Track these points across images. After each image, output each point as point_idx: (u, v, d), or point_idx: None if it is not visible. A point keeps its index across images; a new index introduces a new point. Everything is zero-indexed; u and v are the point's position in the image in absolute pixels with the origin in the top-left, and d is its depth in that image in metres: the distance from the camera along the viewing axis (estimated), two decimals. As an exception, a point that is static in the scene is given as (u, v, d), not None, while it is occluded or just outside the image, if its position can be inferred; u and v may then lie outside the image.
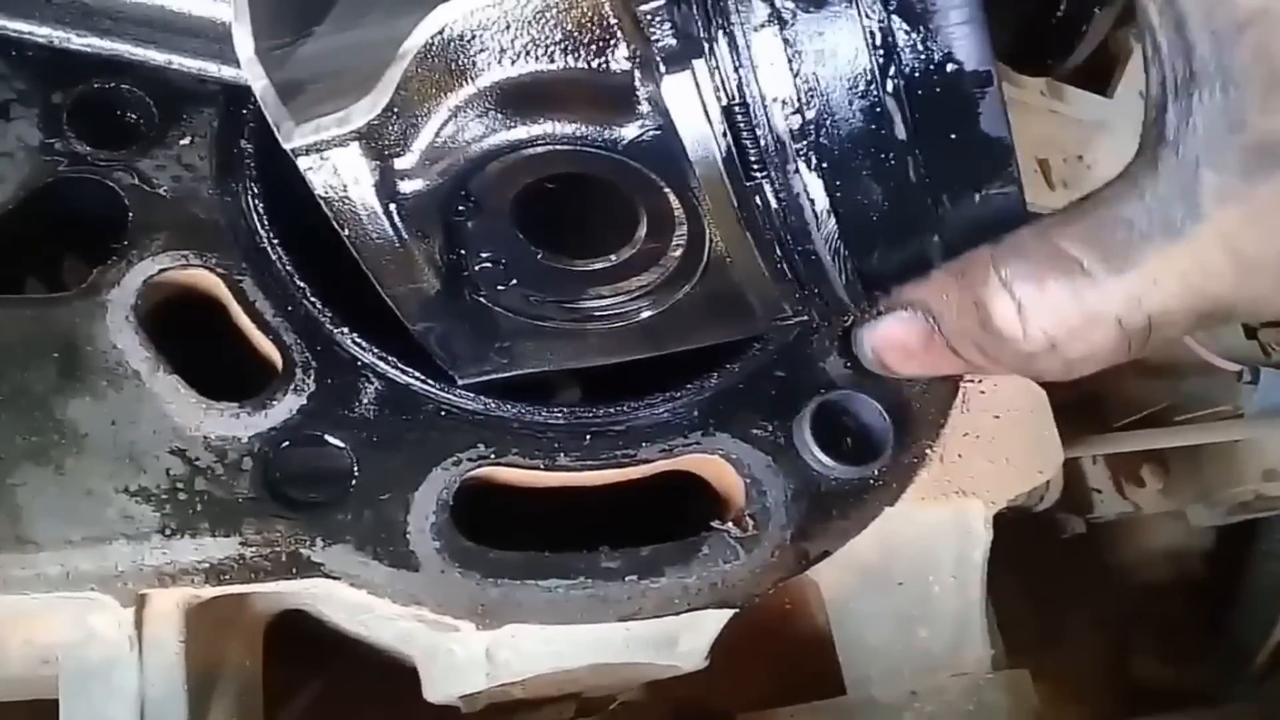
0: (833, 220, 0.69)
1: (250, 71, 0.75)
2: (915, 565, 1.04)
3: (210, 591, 0.87)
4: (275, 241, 0.96)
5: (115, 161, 0.97)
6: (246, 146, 0.99)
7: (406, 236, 0.75)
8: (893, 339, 0.76)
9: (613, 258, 0.79)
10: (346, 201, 0.74)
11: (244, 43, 0.75)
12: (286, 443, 0.90)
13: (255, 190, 0.98)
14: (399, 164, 0.72)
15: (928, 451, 1.01)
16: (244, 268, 0.95)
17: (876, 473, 0.97)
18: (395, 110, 0.70)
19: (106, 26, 0.90)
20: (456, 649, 0.97)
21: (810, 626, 1.15)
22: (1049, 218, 0.66)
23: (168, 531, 0.86)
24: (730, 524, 0.94)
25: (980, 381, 1.06)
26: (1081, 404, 1.74)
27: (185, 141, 0.99)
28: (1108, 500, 1.75)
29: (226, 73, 0.91)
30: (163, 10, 0.88)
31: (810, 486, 0.96)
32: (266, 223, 0.96)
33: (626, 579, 0.91)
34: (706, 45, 0.65)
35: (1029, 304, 0.66)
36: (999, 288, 0.66)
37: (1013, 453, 1.06)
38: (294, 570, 0.87)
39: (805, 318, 0.80)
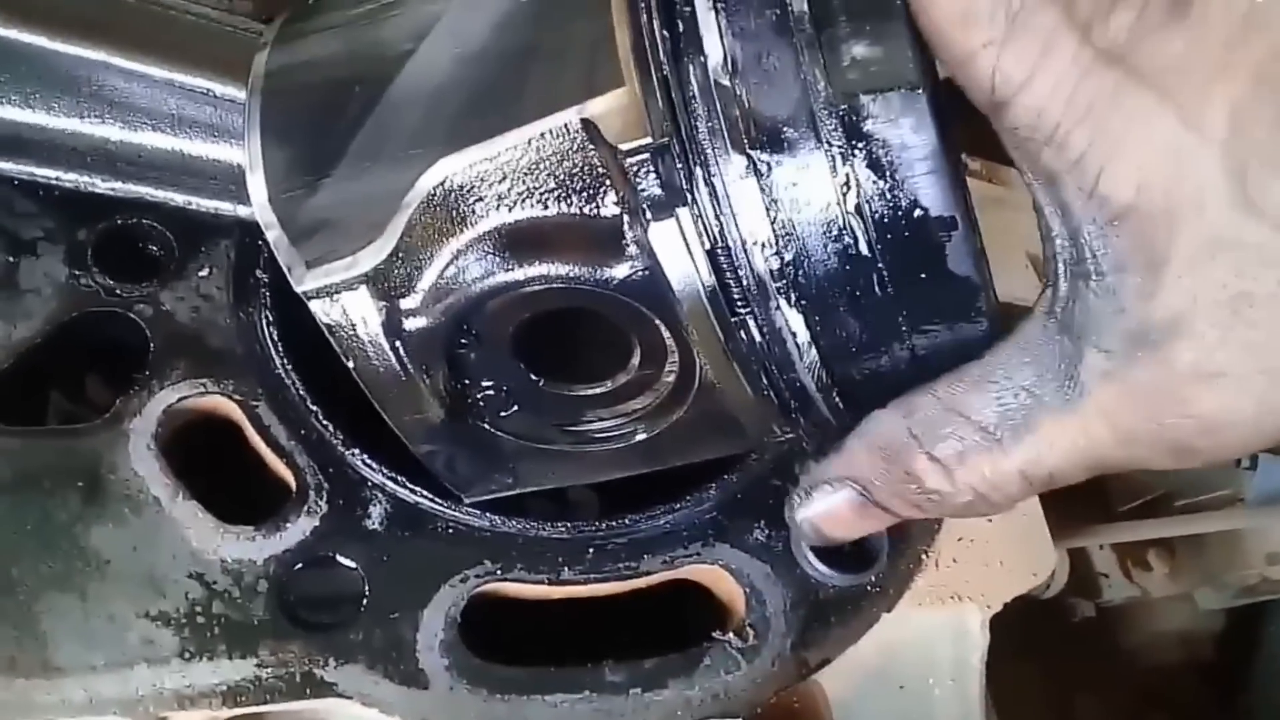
0: (814, 351, 0.73)
1: (264, 219, 0.79)
2: (915, 669, 1.06)
3: (226, 713, 0.90)
4: (289, 367, 1.00)
5: (137, 294, 1.02)
6: (261, 276, 1.04)
7: (411, 370, 0.79)
8: (828, 513, 0.81)
9: (609, 384, 0.83)
10: (354, 339, 0.78)
11: (258, 192, 0.80)
12: (300, 564, 0.93)
13: (270, 318, 1.02)
14: (404, 304, 0.77)
15: (923, 557, 1.04)
16: (259, 393, 0.99)
17: (873, 579, 1.00)
18: (400, 254, 0.75)
19: (129, 171, 0.95)
20: (466, 762, 0.99)
21: (818, 727, 1.17)
22: (958, 383, 0.72)
23: (187, 655, 0.89)
24: (731, 634, 0.97)
25: (971, 487, 1.09)
26: (1085, 490, 1.75)
27: (204, 273, 1.04)
28: (1115, 585, 1.76)
29: (242, 211, 0.96)
30: (182, 156, 0.93)
31: (809, 595, 0.99)
32: (281, 349, 1.01)
33: (630, 692, 0.93)
34: (689, 194, 0.70)
35: (956, 470, 0.72)
36: (927, 462, 0.73)
37: (1006, 556, 1.08)
38: (308, 690, 0.90)
39: (794, 435, 0.84)
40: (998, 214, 1.54)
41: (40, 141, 0.94)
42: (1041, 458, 0.70)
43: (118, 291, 1.01)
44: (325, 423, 0.98)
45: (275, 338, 1.01)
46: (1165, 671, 1.90)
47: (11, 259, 1.01)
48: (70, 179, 0.95)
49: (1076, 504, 1.75)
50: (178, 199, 0.96)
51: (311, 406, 0.99)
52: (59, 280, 1.01)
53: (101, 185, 0.96)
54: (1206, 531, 1.66)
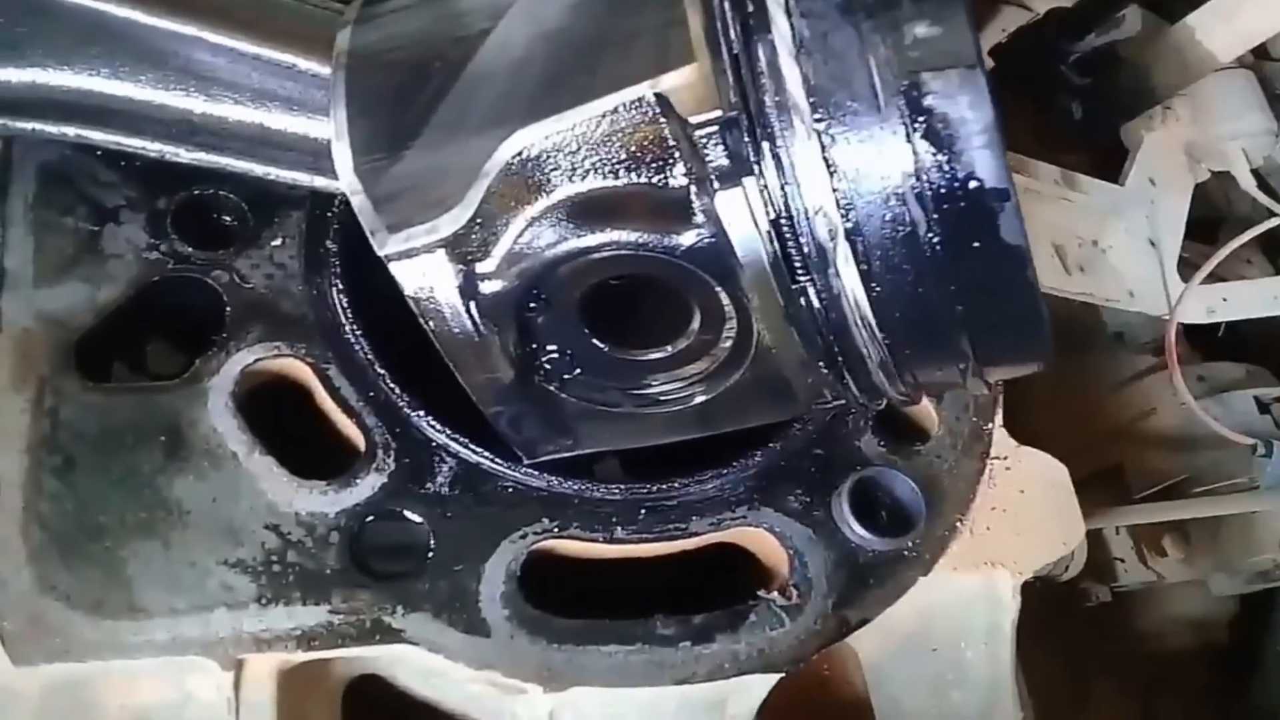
0: (870, 317, 0.78)
1: (349, 187, 0.85)
2: (948, 632, 1.11)
3: (301, 656, 0.95)
4: (358, 332, 1.05)
5: (214, 261, 1.06)
6: (332, 246, 1.09)
7: (485, 331, 0.84)
8: None
9: (669, 348, 0.87)
10: (432, 301, 0.83)
11: (344, 162, 0.86)
12: (370, 517, 0.98)
13: (340, 286, 1.07)
14: (480, 268, 0.82)
15: (958, 524, 1.09)
16: (330, 357, 1.04)
17: (911, 544, 1.05)
18: (478, 221, 0.80)
19: (211, 142, 0.99)
20: (522, 712, 1.04)
21: (849, 691, 1.21)
22: None
23: (264, 601, 0.94)
24: (775, 593, 1.02)
25: (1005, 459, 1.14)
26: (1104, 477, 1.80)
27: (277, 242, 1.08)
28: (1131, 569, 1.80)
29: (319, 182, 1.00)
30: (262, 128, 0.97)
31: (849, 558, 1.04)
32: (350, 315, 1.05)
33: (680, 645, 0.98)
34: (756, 165, 0.75)
35: None
36: None
37: (1037, 525, 1.13)
38: (377, 636, 0.95)
39: (844, 401, 0.89)
40: (1028, 204, 1.58)
41: (128, 112, 0.98)
42: None
43: (196, 258, 1.06)
44: (393, 385, 1.03)
45: (345, 304, 1.06)
46: (1179, 656, 1.94)
47: (96, 226, 1.06)
48: (155, 149, 0.99)
49: (1094, 489, 1.79)
50: (257, 170, 1.00)
51: (380, 370, 1.03)
52: (140, 246, 1.05)
53: (185, 156, 1.00)
54: (1221, 515, 1.70)
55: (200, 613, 0.93)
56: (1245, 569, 1.75)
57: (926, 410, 1.13)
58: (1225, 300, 1.73)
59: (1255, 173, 1.87)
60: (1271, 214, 1.77)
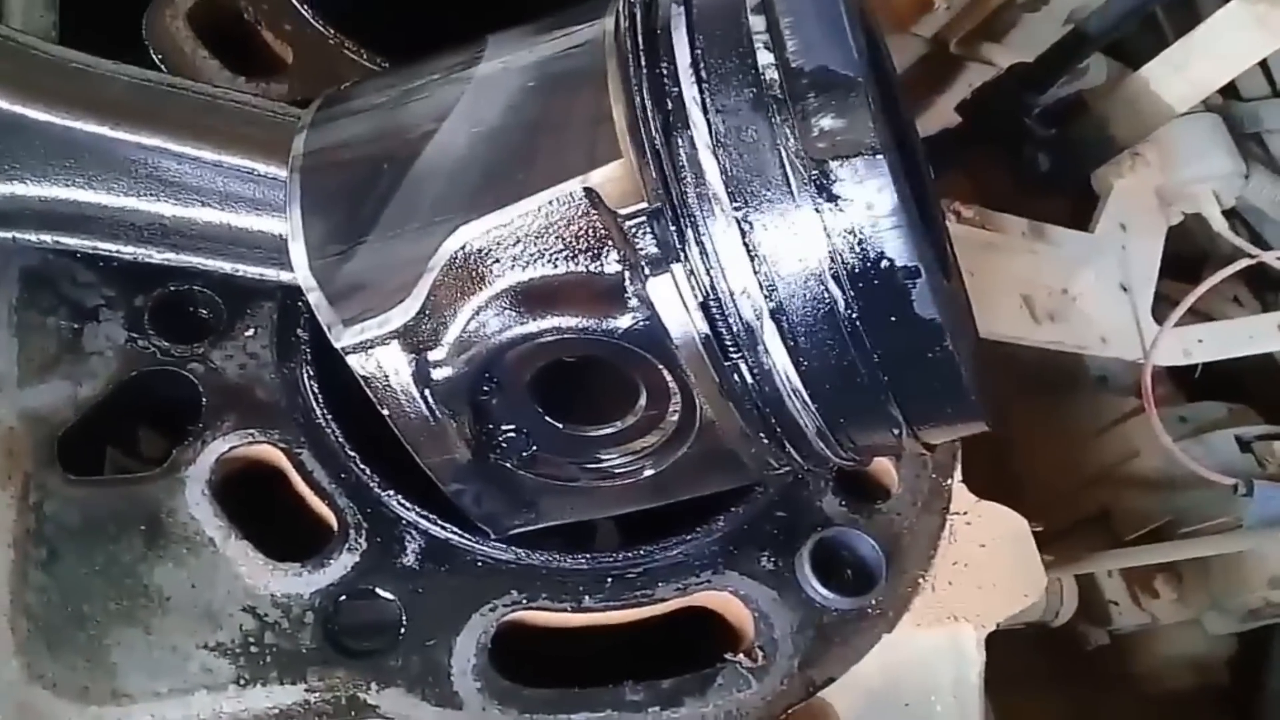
0: (802, 390, 0.81)
1: (305, 283, 0.89)
2: (918, 686, 1.12)
3: (278, 734, 0.98)
4: (329, 417, 1.09)
5: (190, 354, 1.11)
6: (302, 335, 1.13)
7: (440, 415, 0.87)
8: None
9: (619, 424, 0.91)
10: (388, 389, 0.87)
11: (300, 259, 0.90)
12: (343, 596, 1.01)
13: (310, 373, 1.11)
14: (431, 356, 0.86)
15: (920, 580, 1.12)
16: (302, 441, 1.08)
17: (874, 602, 1.08)
18: (427, 312, 0.84)
19: (181, 243, 1.04)
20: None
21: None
22: None
23: (242, 681, 0.97)
24: (742, 655, 1.04)
25: (965, 514, 1.17)
26: (1091, 521, 1.82)
27: (250, 333, 1.13)
28: (1125, 612, 1.82)
29: (285, 276, 1.04)
30: (228, 228, 1.01)
31: (813, 617, 1.06)
32: (321, 400, 1.10)
33: (649, 710, 1.01)
34: (682, 252, 0.79)
35: None
36: None
37: (999, 578, 1.15)
38: (353, 713, 0.98)
39: (791, 468, 0.92)
40: (992, 258, 1.63)
41: (101, 218, 1.03)
42: None
43: (172, 352, 1.10)
44: (363, 466, 1.07)
45: (315, 390, 1.10)
46: (1179, 696, 1.95)
47: (76, 325, 1.10)
48: (129, 251, 1.04)
49: (1082, 533, 1.81)
50: (226, 267, 1.05)
51: (350, 452, 1.07)
52: (119, 343, 1.10)
53: (157, 256, 1.05)
54: (1208, 555, 1.71)
55: (182, 695, 0.96)
56: (1237, 607, 1.76)
57: (886, 468, 1.16)
58: (1201, 341, 1.76)
59: (1230, 212, 1.90)
60: (1245, 254, 1.80)
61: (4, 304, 1.10)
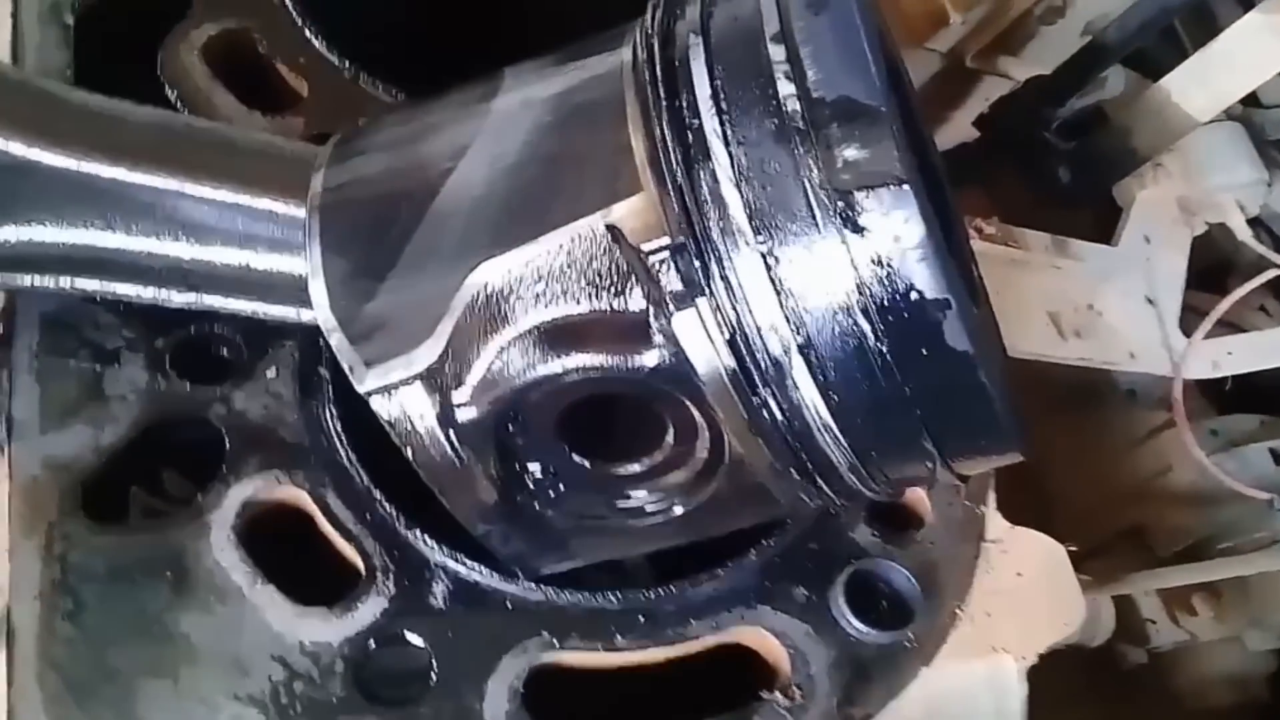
0: (832, 424, 0.80)
1: (326, 324, 0.88)
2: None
3: (309, 785, 0.97)
4: (353, 458, 1.08)
5: (213, 396, 1.09)
6: (324, 373, 1.12)
7: (465, 458, 0.86)
8: None
9: (647, 461, 0.89)
10: (412, 432, 0.86)
11: (320, 300, 0.89)
12: (372, 643, 1.00)
13: (334, 412, 1.10)
14: (455, 397, 0.84)
15: (957, 612, 1.09)
16: (326, 482, 1.07)
17: (911, 636, 1.06)
18: (450, 353, 0.83)
19: (201, 284, 1.03)
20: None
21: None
22: None
23: (272, 732, 0.96)
24: (778, 693, 1.02)
25: (1001, 542, 1.15)
26: (1127, 537, 1.80)
27: (271, 373, 1.12)
28: (1163, 630, 1.79)
29: (305, 316, 1.03)
30: (248, 269, 1.01)
31: (850, 653, 1.04)
32: (344, 440, 1.08)
33: (685, 753, 0.99)
34: (707, 287, 0.78)
35: None
36: None
37: (1038, 607, 1.13)
38: (384, 762, 0.97)
39: (823, 501, 0.90)
40: (1017, 275, 1.60)
41: (120, 261, 1.02)
42: None
43: (194, 394, 1.09)
44: (389, 507, 1.05)
45: (339, 430, 1.09)
46: (1220, 713, 1.91)
47: (98, 368, 1.09)
48: (149, 294, 1.03)
49: (1119, 552, 1.78)
50: (246, 309, 1.04)
51: (376, 493, 1.06)
52: (141, 386, 1.09)
53: (177, 299, 1.04)
54: (1246, 574, 1.68)
55: (210, 748, 0.95)
56: (1277, 624, 1.73)
57: (919, 496, 1.14)
58: (1230, 353, 1.73)
59: (1255, 221, 1.88)
60: (1272, 264, 1.77)
61: (25, 349, 1.09)
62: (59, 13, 1.29)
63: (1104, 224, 1.80)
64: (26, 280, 1.05)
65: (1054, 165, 1.82)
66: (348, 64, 1.32)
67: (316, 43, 1.31)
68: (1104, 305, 1.64)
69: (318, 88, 1.30)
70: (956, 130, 1.92)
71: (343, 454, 1.08)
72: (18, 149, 0.99)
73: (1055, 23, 1.85)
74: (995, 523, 1.15)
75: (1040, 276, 1.61)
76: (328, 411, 1.10)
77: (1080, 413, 1.84)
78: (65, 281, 1.04)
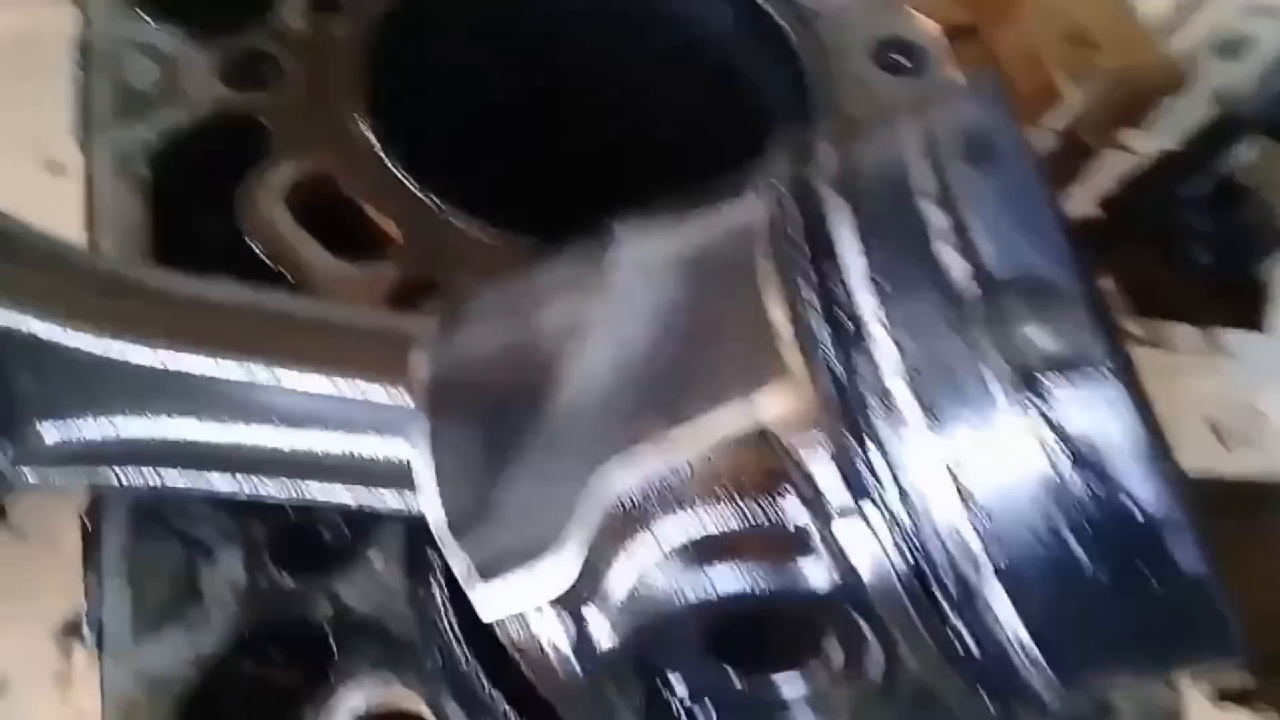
0: (1034, 649, 0.68)
1: (439, 533, 0.79)
2: None
3: None
4: (468, 654, 0.98)
5: (317, 589, 1.02)
6: (432, 556, 1.03)
7: (604, 689, 0.76)
8: None
9: (812, 681, 0.79)
10: (542, 661, 0.76)
11: (433, 508, 0.80)
12: None
13: (445, 595, 1.01)
14: (592, 624, 0.74)
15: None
16: (442, 683, 0.98)
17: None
18: (584, 574, 0.73)
19: (299, 474, 0.96)
20: None
21: None
22: None
23: None
24: None
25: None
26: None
27: (378, 560, 1.03)
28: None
29: (410, 502, 0.95)
30: (351, 458, 0.93)
31: None
32: (460, 634, 0.99)
33: None
34: (878, 493, 0.67)
35: None
36: None
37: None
38: None
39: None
40: (1169, 382, 1.47)
41: (210, 454, 0.95)
42: None
43: (297, 590, 1.02)
44: (511, 712, 0.96)
45: (452, 619, 1.00)
46: None
47: (192, 566, 1.02)
48: (247, 491, 0.96)
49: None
50: (346, 498, 0.96)
51: (496, 695, 0.97)
52: (239, 585, 1.01)
53: (273, 489, 0.97)
54: None
55: None
56: None
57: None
58: None
59: None
60: None
61: (114, 550, 1.03)
62: (132, 163, 1.25)
63: (1247, 312, 1.66)
64: (110, 476, 0.98)
65: (1191, 246, 1.69)
66: (438, 200, 1.25)
67: (408, 182, 1.25)
68: (1269, 404, 1.50)
69: (409, 229, 1.23)
70: (1076, 210, 1.80)
71: (458, 651, 0.99)
72: (91, 343, 0.93)
73: (1182, 93, 1.73)
74: (1196, 703, 1.01)
75: (1195, 378, 1.48)
76: (442, 605, 1.01)
77: (1246, 520, 1.69)
78: (153, 476, 0.97)
